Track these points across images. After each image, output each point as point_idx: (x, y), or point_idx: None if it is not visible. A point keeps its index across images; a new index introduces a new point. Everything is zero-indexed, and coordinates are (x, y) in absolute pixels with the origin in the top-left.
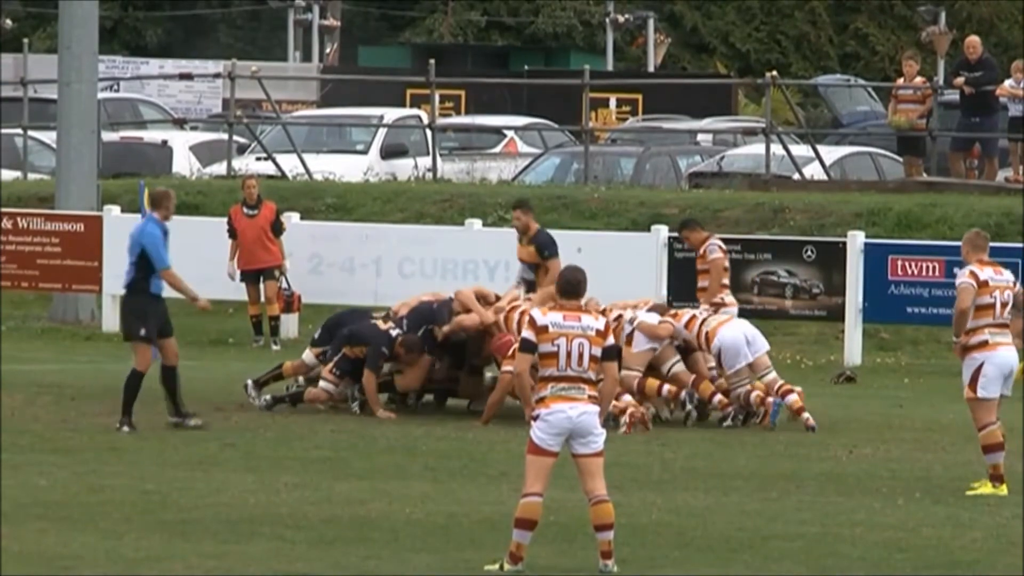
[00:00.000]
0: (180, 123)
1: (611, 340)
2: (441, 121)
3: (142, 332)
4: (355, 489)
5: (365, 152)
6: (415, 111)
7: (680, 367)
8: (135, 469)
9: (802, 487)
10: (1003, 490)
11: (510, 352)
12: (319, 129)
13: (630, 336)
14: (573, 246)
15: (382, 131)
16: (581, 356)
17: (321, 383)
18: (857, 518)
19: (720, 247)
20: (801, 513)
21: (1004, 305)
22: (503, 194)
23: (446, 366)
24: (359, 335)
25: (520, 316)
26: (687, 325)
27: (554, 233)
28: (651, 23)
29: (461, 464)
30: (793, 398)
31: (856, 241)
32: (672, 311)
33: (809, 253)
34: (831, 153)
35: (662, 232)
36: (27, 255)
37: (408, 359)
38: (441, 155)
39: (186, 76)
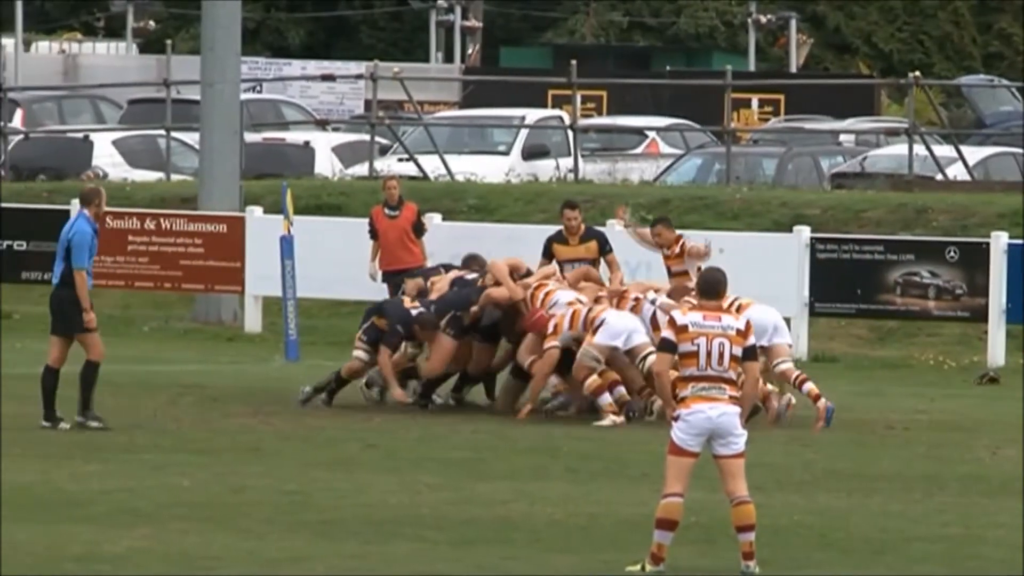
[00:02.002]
0: (322, 124)
1: (752, 340)
2: (583, 122)
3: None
4: (496, 490)
5: (507, 153)
6: (557, 112)
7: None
8: (276, 470)
9: (945, 488)
10: None
11: (551, 329)
12: (461, 130)
13: (654, 319)
14: (715, 247)
15: (524, 132)
16: (721, 356)
17: (355, 353)
18: (1000, 520)
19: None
20: (944, 515)
21: None
22: (645, 195)
23: (486, 354)
24: (384, 309)
25: (545, 296)
26: None
27: (696, 233)
28: (793, 23)
29: (602, 465)
30: (810, 386)
31: (1000, 242)
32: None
33: (952, 254)
34: (974, 153)
35: (804, 233)
36: (170, 256)
37: (424, 336)
38: (583, 156)
39: (328, 77)
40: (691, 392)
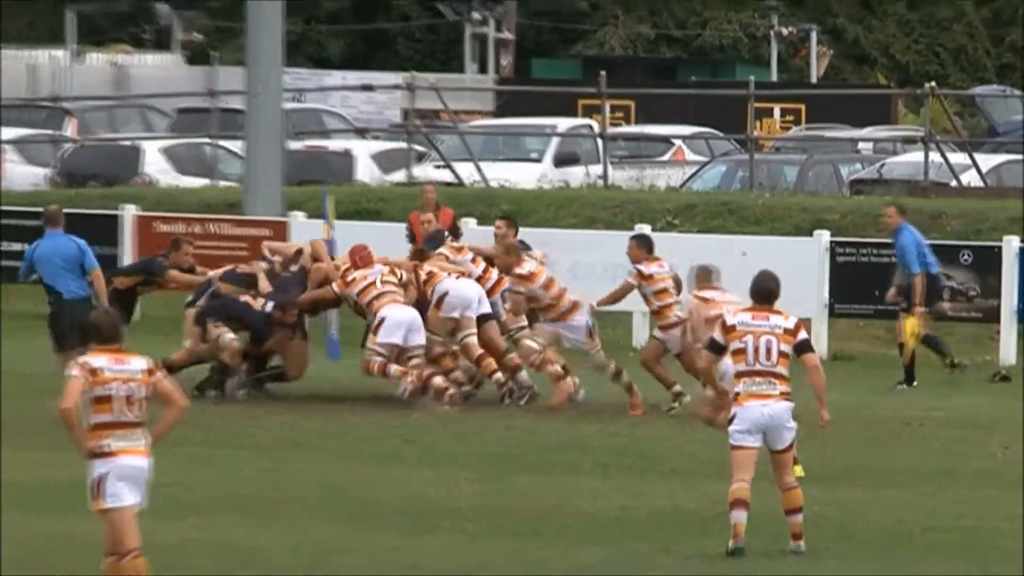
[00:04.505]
0: (362, 132)
1: (803, 335)
2: (612, 130)
3: None
4: (528, 484)
5: (539, 160)
6: (587, 121)
7: (473, 339)
8: (319, 464)
9: (959, 483)
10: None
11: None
12: (495, 138)
13: (441, 299)
14: (738, 250)
15: (555, 140)
16: (769, 351)
17: (227, 337)
18: (1013, 512)
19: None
20: (958, 507)
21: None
22: (671, 200)
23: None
24: (234, 313)
25: (430, 277)
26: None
27: (720, 238)
28: (814, 36)
29: (631, 461)
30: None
31: (1011, 245)
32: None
33: (966, 257)
34: (987, 161)
35: (824, 237)
36: (216, 259)
37: (289, 318)
38: (612, 163)
39: (368, 87)
40: (743, 389)
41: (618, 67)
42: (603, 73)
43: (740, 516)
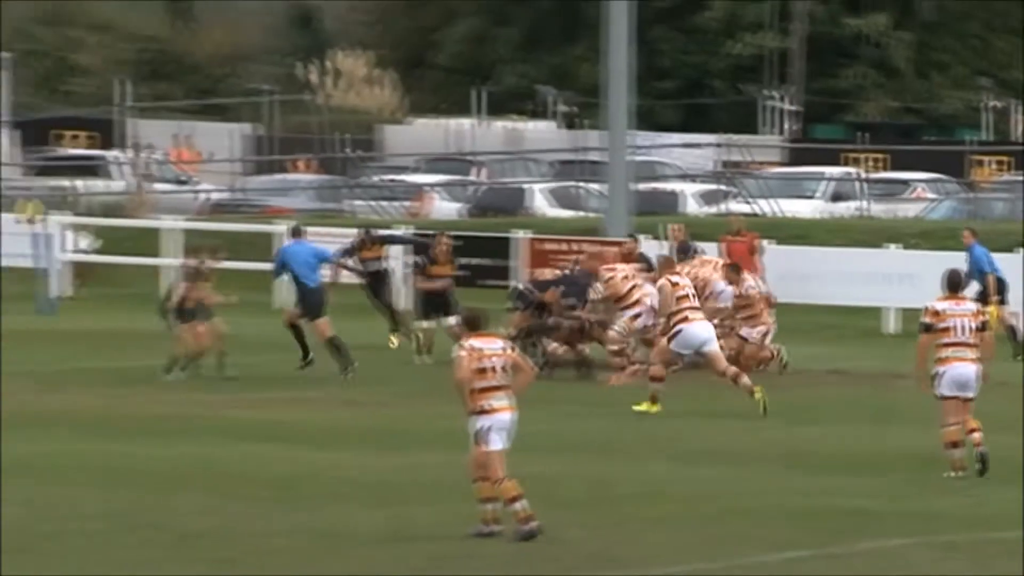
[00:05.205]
0: (688, 177)
1: (983, 318)
2: (870, 176)
3: None
4: (801, 433)
5: (817, 197)
6: (851, 169)
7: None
8: (651, 417)
9: None
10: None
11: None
12: (785, 181)
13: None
14: (961, 261)
15: (830, 183)
16: (965, 328)
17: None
18: None
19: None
20: None
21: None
22: (915, 227)
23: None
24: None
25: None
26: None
27: (948, 254)
28: (1015, 107)
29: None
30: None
31: None
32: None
33: None
34: None
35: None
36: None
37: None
38: (870, 199)
39: (692, 145)
40: (952, 354)
41: (874, 130)
42: (864, 134)
43: (955, 452)
